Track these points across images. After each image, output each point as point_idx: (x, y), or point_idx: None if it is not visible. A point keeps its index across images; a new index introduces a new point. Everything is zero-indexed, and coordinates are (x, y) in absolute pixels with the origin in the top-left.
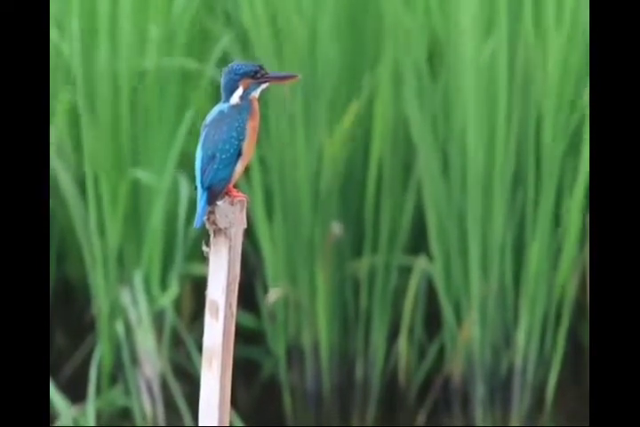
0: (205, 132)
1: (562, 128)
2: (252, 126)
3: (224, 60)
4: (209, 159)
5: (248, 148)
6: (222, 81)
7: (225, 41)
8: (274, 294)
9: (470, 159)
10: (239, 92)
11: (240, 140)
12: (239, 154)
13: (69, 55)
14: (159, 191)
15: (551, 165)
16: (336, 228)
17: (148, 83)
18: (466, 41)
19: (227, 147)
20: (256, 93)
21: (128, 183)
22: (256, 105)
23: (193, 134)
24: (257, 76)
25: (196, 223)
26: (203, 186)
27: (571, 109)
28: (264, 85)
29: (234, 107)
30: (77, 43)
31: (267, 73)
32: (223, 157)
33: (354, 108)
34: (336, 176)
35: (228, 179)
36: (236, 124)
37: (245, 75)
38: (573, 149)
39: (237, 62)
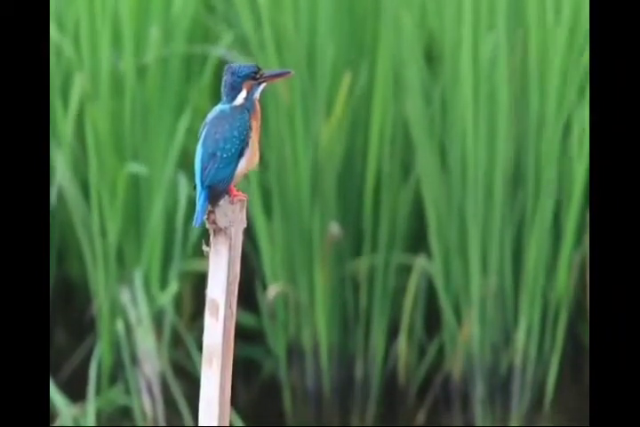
0: (206, 130)
1: (562, 126)
2: (254, 126)
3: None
4: (209, 158)
5: (250, 148)
6: (224, 83)
7: (218, 32)
8: (273, 290)
9: (470, 158)
10: (243, 94)
11: (241, 139)
12: (240, 154)
13: (70, 53)
14: (159, 190)
15: (551, 164)
16: (335, 227)
17: (149, 80)
18: (465, 38)
19: (228, 146)
20: (257, 95)
21: (127, 182)
22: (258, 106)
23: (193, 132)
24: (257, 76)
25: (196, 222)
26: (202, 184)
27: (571, 107)
28: (263, 85)
29: (236, 107)
30: (79, 40)
31: (264, 72)
32: (224, 156)
33: (347, 80)
34: (334, 174)
35: (228, 178)
36: (238, 124)
37: (247, 77)
38: (573, 147)
39: (237, 64)
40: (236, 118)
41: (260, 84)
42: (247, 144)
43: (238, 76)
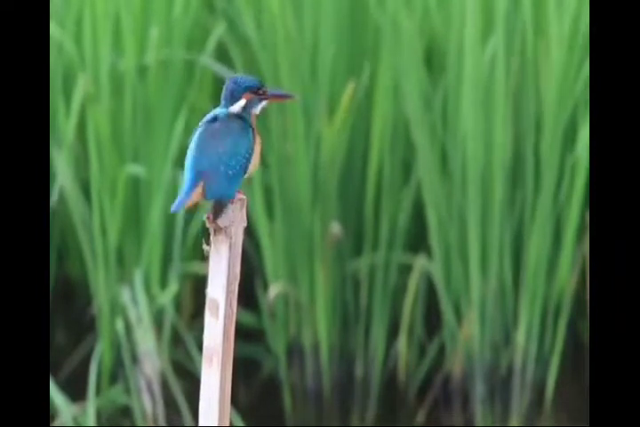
0: (205, 135)
1: (561, 127)
2: (257, 143)
3: (223, 57)
4: (213, 167)
5: (253, 162)
6: (225, 89)
7: (221, 35)
8: (274, 290)
9: (470, 158)
10: (241, 103)
11: (247, 158)
12: (245, 169)
13: (72, 53)
14: (159, 189)
15: (550, 164)
16: (336, 227)
17: (149, 80)
18: (465, 41)
19: (233, 163)
20: (256, 110)
21: (128, 182)
22: (254, 122)
23: (192, 133)
24: (259, 92)
25: (176, 206)
26: (193, 169)
27: (570, 108)
28: (264, 103)
29: (232, 115)
30: (81, 40)
31: (267, 90)
32: (230, 173)
33: (350, 90)
34: (335, 174)
35: (233, 193)
36: (245, 143)
37: (248, 88)
38: (572, 147)
39: (241, 75)
40: (240, 136)
41: (260, 100)
42: (251, 159)
43: (240, 86)
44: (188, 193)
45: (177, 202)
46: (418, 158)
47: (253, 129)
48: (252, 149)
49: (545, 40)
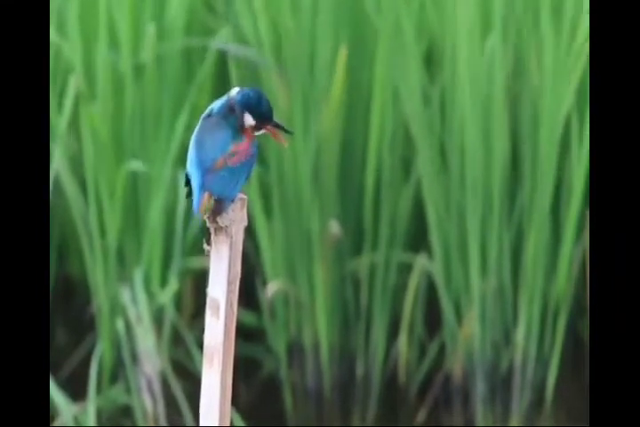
0: (200, 131)
1: (559, 125)
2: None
3: (221, 56)
4: (210, 162)
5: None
6: (229, 97)
7: (220, 34)
8: (272, 287)
9: (469, 157)
10: (239, 117)
11: (250, 171)
12: (249, 175)
13: (70, 52)
14: (158, 187)
15: (549, 162)
16: (335, 226)
17: (147, 77)
18: (463, 37)
19: (242, 173)
20: (253, 132)
21: (127, 180)
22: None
23: (192, 130)
24: (258, 116)
25: (195, 209)
26: (201, 166)
27: (568, 104)
28: (260, 131)
29: (225, 113)
30: (77, 38)
31: (267, 122)
32: (236, 181)
33: (343, 56)
34: (334, 173)
35: (237, 194)
36: (252, 160)
37: (246, 109)
38: (571, 146)
39: (255, 92)
40: (251, 155)
41: (258, 127)
42: (251, 161)
43: (238, 101)
44: (200, 192)
45: (194, 205)
46: (418, 158)
47: (253, 139)
48: (255, 158)
49: (542, 35)
